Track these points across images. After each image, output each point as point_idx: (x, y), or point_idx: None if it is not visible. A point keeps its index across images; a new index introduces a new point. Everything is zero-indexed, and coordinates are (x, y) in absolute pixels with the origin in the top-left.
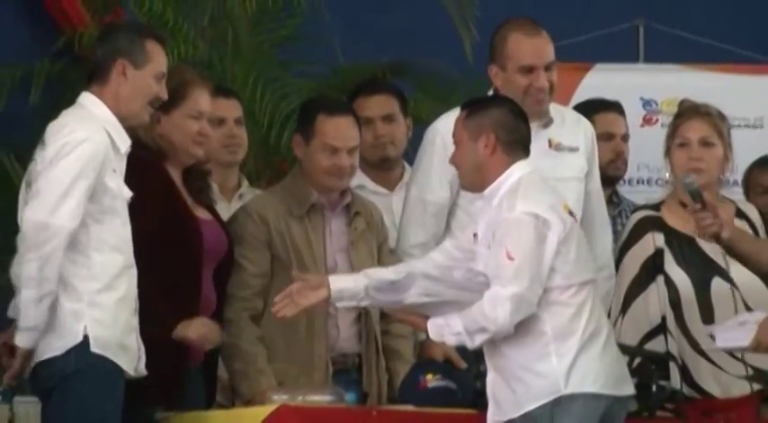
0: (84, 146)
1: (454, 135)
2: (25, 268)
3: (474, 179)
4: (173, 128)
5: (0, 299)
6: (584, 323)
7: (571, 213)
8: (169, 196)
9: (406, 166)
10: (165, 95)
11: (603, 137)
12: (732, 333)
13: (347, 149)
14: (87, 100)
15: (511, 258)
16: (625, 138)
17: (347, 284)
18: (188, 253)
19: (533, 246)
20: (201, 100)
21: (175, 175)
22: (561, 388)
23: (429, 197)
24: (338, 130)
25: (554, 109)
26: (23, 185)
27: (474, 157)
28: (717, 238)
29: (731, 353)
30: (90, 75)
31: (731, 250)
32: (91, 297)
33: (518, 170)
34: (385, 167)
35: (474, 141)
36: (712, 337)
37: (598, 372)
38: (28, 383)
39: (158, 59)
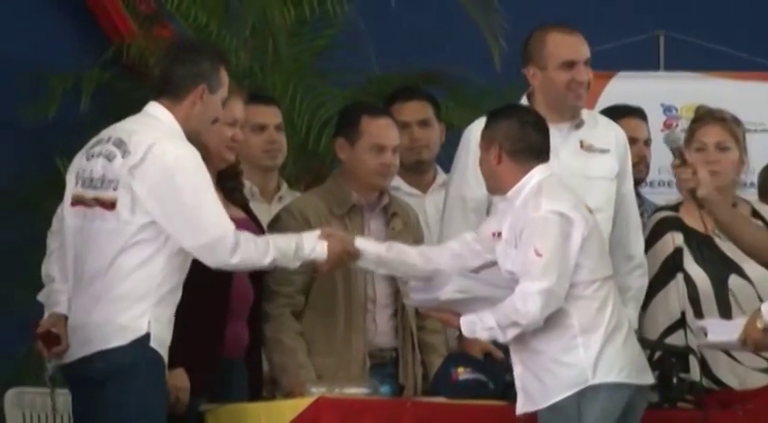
0: (191, 157)
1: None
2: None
3: (491, 185)
4: (209, 133)
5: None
6: (608, 316)
7: (591, 212)
8: None
9: (439, 169)
10: (222, 115)
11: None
12: (723, 328)
13: (392, 147)
14: (160, 112)
15: (539, 255)
16: (647, 142)
17: (369, 247)
18: None
19: (560, 242)
20: (237, 108)
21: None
22: (589, 378)
23: (468, 194)
24: (383, 129)
25: (586, 113)
26: (73, 179)
27: (487, 166)
28: (692, 193)
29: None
30: (162, 88)
31: (709, 214)
32: (160, 299)
33: (538, 173)
34: (419, 170)
35: (486, 152)
36: (704, 332)
37: (623, 363)
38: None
39: (226, 84)
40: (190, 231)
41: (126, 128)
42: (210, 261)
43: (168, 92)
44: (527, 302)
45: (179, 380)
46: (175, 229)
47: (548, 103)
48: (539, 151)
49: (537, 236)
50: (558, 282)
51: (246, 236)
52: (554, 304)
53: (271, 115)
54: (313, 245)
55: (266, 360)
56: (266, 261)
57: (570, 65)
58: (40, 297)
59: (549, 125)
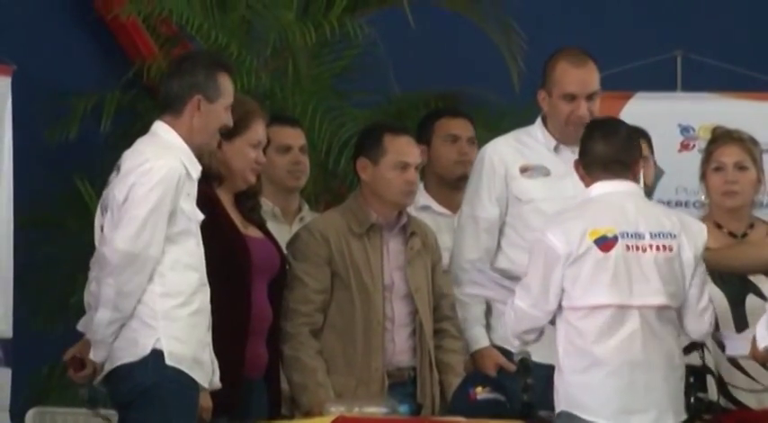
0: (160, 174)
1: None
2: (103, 291)
3: None
4: (234, 154)
5: (75, 316)
6: (590, 348)
7: (604, 239)
8: (215, 216)
9: None
10: (231, 123)
11: None
12: (738, 342)
13: (415, 165)
14: (161, 129)
15: (525, 274)
16: (645, 160)
17: None
18: (236, 269)
19: (539, 265)
20: (260, 130)
21: (227, 198)
22: (560, 405)
23: (481, 214)
24: (406, 146)
25: None
26: (98, 210)
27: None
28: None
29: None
30: (164, 104)
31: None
32: (166, 313)
33: (595, 190)
34: (458, 187)
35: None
36: (721, 345)
37: (588, 400)
38: (105, 397)
39: (229, 92)
40: (123, 231)
41: (128, 150)
42: (105, 266)
43: (168, 107)
44: (507, 316)
45: (202, 399)
46: (114, 221)
47: (554, 127)
48: (604, 163)
49: (529, 255)
50: (533, 303)
51: (144, 283)
52: (527, 323)
53: (296, 137)
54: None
55: (285, 379)
56: (107, 313)
57: (571, 98)
58: (80, 326)
59: (563, 147)
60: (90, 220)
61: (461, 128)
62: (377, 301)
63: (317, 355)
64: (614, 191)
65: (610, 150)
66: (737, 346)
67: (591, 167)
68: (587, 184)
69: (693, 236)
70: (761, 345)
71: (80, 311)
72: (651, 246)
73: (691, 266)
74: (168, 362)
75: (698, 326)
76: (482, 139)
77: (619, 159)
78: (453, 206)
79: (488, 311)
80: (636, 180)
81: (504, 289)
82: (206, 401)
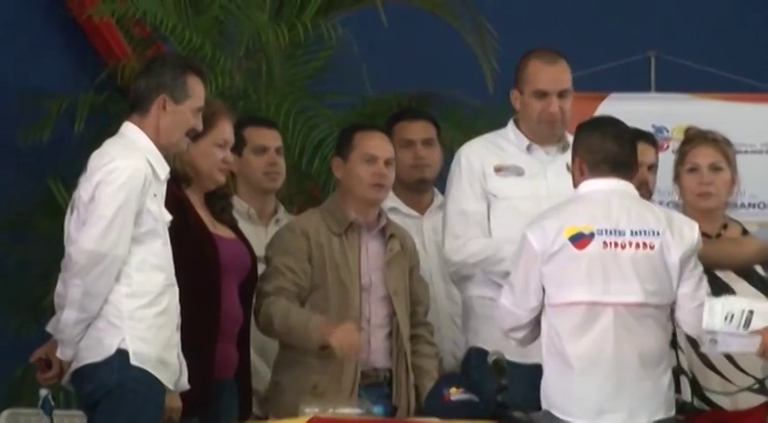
0: (125, 174)
1: None
2: (70, 292)
3: None
4: (200, 155)
5: (48, 318)
6: (564, 347)
7: (580, 236)
8: (183, 217)
9: (436, 191)
10: (200, 127)
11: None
12: (734, 340)
13: (384, 159)
14: (129, 129)
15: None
16: (652, 167)
17: None
18: (205, 269)
19: (521, 264)
20: (227, 129)
21: (196, 199)
22: (543, 403)
23: (469, 208)
24: (375, 141)
25: (571, 137)
26: (68, 211)
27: (575, 179)
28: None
29: (735, 363)
30: (132, 105)
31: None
32: (132, 313)
33: (583, 188)
34: (420, 190)
35: (573, 164)
36: (713, 340)
37: (563, 400)
38: (67, 396)
39: (198, 94)
40: (89, 231)
41: (96, 151)
42: (71, 267)
43: (135, 107)
44: (496, 314)
45: (170, 400)
46: (81, 221)
47: (527, 127)
48: (614, 163)
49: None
50: (513, 300)
51: (111, 282)
52: (510, 321)
53: (272, 138)
54: None
55: (277, 333)
56: (73, 313)
57: (542, 95)
58: (48, 328)
59: (535, 146)
60: (63, 221)
61: (417, 131)
62: (354, 300)
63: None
64: (601, 188)
65: (621, 151)
66: (744, 343)
67: (598, 166)
68: (577, 185)
69: (682, 234)
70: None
71: (53, 313)
72: (631, 243)
73: (676, 265)
74: (133, 362)
75: (691, 321)
76: (456, 140)
77: (627, 161)
78: (420, 208)
79: (469, 314)
80: (632, 180)
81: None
82: (175, 402)
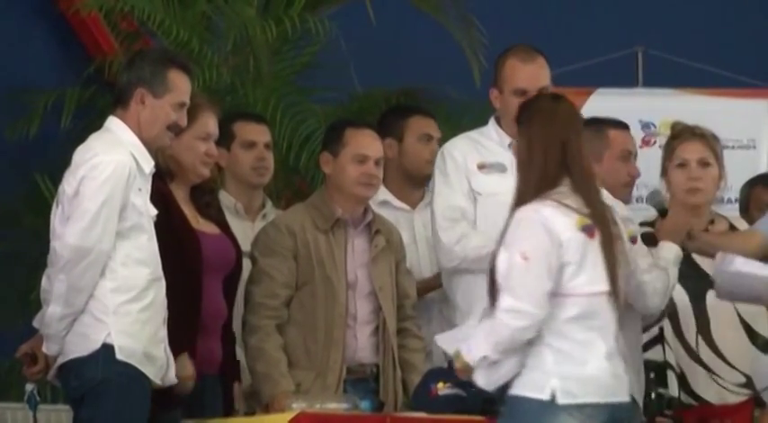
0: (109, 169)
1: None
2: (55, 287)
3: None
4: (183, 149)
5: (35, 313)
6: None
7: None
8: (167, 212)
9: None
10: (184, 123)
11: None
12: (753, 264)
13: (375, 159)
14: (113, 124)
15: None
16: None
17: None
18: (186, 264)
19: None
20: (210, 123)
21: (181, 193)
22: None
23: (459, 203)
24: (366, 139)
25: None
26: (54, 205)
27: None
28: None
29: (724, 358)
30: (115, 99)
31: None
32: (117, 308)
33: None
34: (422, 184)
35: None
36: (728, 262)
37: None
38: (53, 391)
39: (180, 89)
40: (73, 226)
41: (81, 146)
42: (56, 262)
43: (118, 101)
44: None
45: (183, 369)
46: (65, 216)
47: (508, 125)
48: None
49: None
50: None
51: (96, 277)
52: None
53: (261, 133)
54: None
55: (248, 370)
56: (58, 309)
57: (522, 93)
58: (35, 323)
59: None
60: (50, 216)
61: (435, 128)
62: (340, 297)
63: (280, 349)
64: None
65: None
66: (753, 264)
67: None
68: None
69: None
70: (476, 355)
71: (40, 307)
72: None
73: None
74: (119, 356)
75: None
76: (445, 134)
77: None
78: (413, 202)
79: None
80: None
81: None
82: (187, 370)
